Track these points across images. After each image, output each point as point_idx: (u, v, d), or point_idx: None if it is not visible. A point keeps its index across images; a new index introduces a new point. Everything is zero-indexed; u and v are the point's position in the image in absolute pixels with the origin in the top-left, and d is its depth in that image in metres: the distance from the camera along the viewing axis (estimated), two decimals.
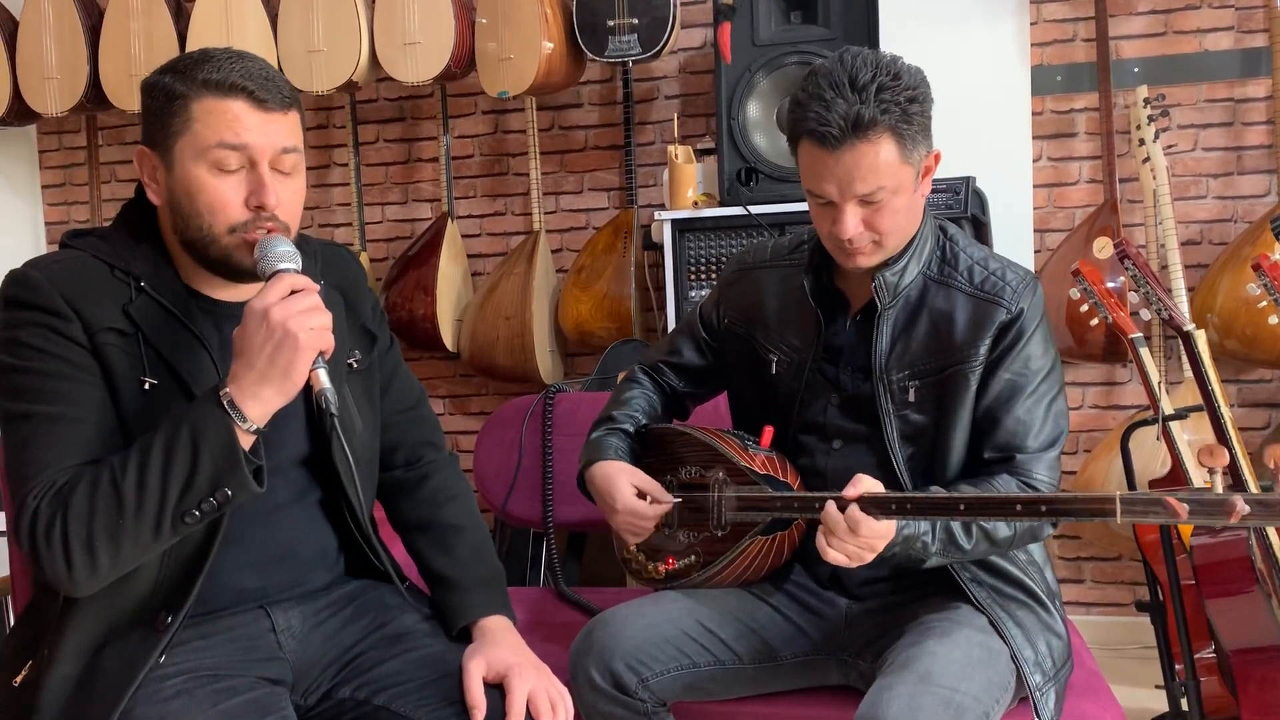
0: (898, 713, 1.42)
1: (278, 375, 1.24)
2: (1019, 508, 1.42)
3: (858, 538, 1.46)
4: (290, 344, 1.23)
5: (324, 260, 1.53)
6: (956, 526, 1.54)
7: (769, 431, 1.72)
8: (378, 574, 1.54)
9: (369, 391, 1.53)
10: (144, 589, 1.35)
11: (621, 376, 1.98)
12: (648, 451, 1.85)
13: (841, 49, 1.56)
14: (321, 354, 1.26)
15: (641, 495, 1.72)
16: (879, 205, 1.54)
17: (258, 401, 1.25)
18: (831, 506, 1.48)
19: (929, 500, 1.48)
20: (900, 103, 1.50)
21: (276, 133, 1.34)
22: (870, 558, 1.49)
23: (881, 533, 1.48)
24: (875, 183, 1.52)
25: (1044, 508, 1.41)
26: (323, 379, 1.26)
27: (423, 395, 1.68)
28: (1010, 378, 1.60)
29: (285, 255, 1.30)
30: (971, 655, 1.52)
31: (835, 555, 1.49)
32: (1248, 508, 1.26)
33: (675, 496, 1.74)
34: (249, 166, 1.33)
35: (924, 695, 1.44)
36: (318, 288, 1.29)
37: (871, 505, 1.47)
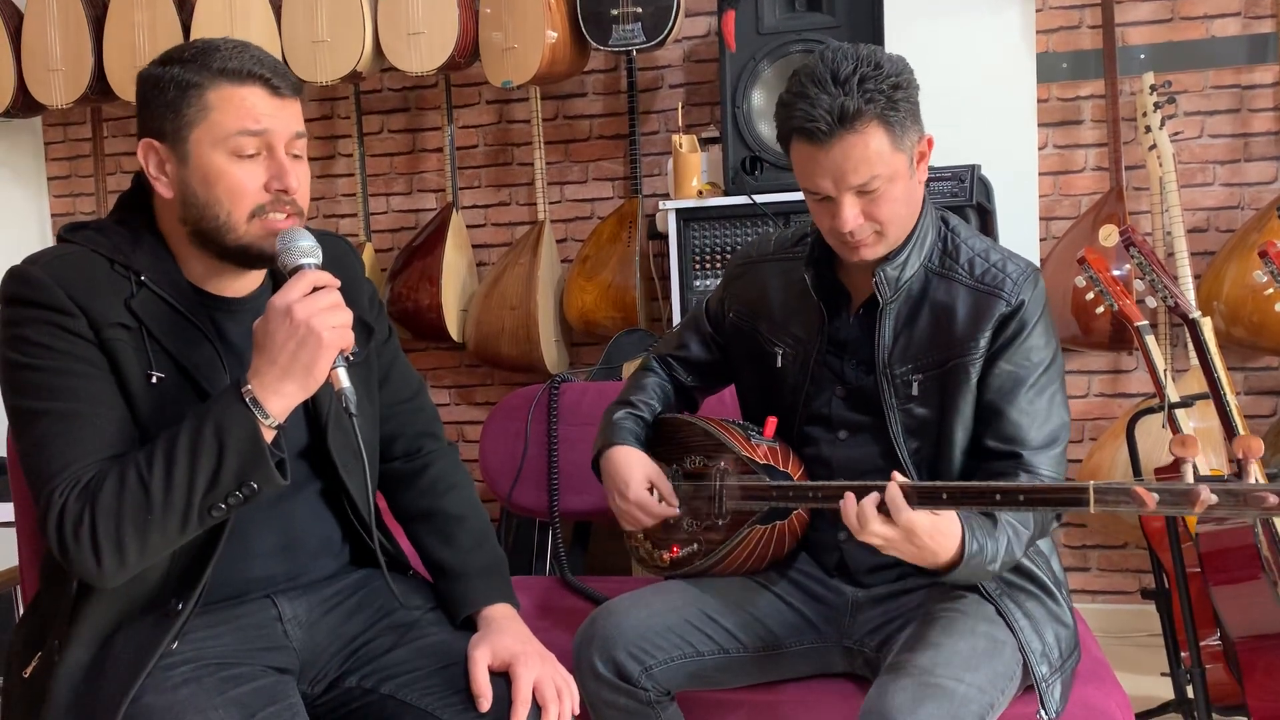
0: (901, 705, 1.42)
1: (300, 372, 1.25)
2: (998, 497, 1.42)
3: (890, 526, 1.43)
4: (314, 342, 1.24)
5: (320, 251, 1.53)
6: (1007, 537, 1.51)
7: (772, 422, 1.73)
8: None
9: (367, 383, 1.54)
10: (155, 578, 1.36)
11: (629, 368, 1.98)
12: (656, 440, 1.86)
13: (823, 46, 1.56)
14: (342, 352, 1.27)
15: (653, 492, 1.74)
16: (876, 194, 1.54)
17: (280, 397, 1.26)
18: (851, 502, 1.46)
19: (913, 488, 1.45)
20: (884, 90, 1.50)
21: (290, 118, 1.36)
22: (909, 547, 1.44)
23: (923, 528, 1.43)
24: (868, 172, 1.52)
25: (1021, 497, 1.41)
26: (343, 378, 1.27)
27: (421, 386, 1.68)
28: (1012, 369, 1.60)
29: (307, 250, 1.31)
30: (977, 647, 1.52)
31: (867, 538, 1.46)
32: (1214, 498, 1.26)
33: (680, 507, 1.76)
34: (266, 152, 1.35)
35: (928, 688, 1.44)
36: (339, 284, 1.29)
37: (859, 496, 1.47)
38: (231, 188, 1.33)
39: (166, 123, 1.34)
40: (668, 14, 3.00)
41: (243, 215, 1.34)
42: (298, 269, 1.30)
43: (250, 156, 1.34)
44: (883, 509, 1.44)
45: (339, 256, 1.55)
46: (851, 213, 1.55)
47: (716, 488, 1.73)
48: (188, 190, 1.35)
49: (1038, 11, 3.09)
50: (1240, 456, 1.28)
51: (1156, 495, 1.29)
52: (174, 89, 1.33)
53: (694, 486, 1.78)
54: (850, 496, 1.47)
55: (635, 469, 1.75)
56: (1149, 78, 2.87)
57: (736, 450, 1.70)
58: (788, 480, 1.67)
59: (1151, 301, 2.15)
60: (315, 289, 1.27)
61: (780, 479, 1.67)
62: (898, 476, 1.46)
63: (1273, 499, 1.24)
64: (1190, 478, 1.30)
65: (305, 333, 1.23)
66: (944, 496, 1.44)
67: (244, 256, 1.37)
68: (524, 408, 2.42)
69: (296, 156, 1.37)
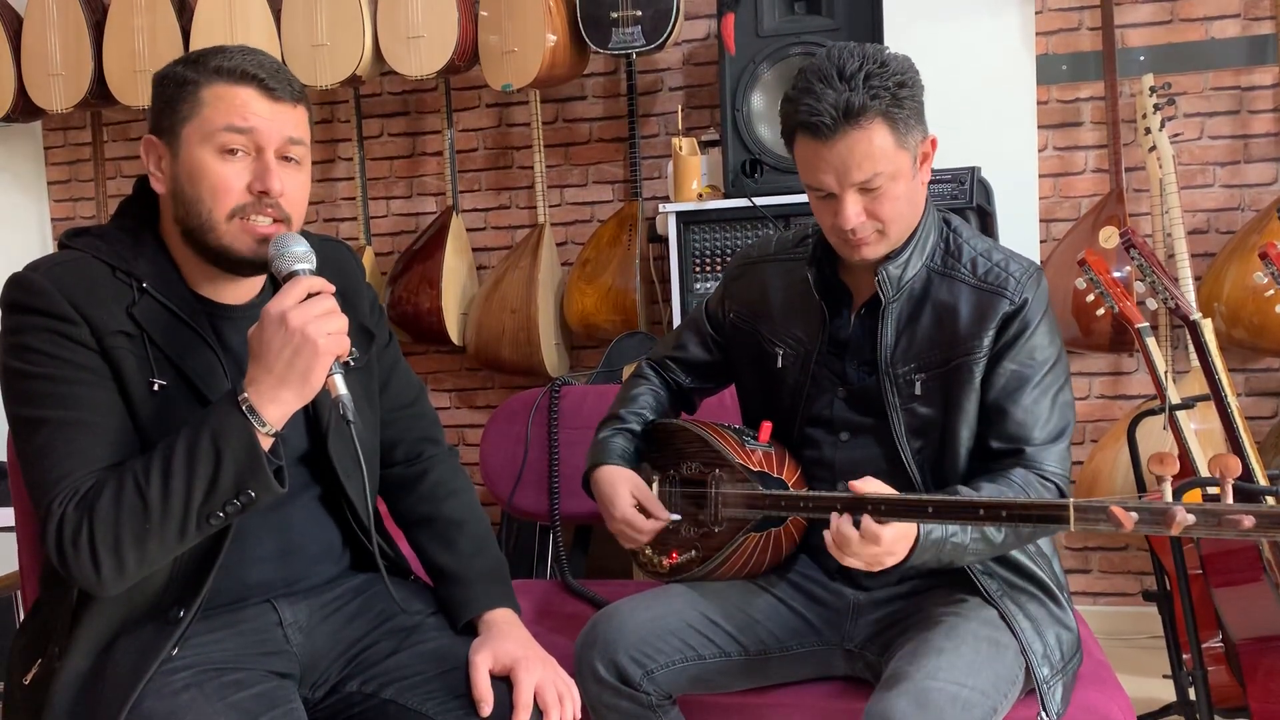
0: (905, 710, 1.42)
1: (297, 379, 1.24)
2: (981, 512, 1.42)
3: (870, 546, 1.45)
4: (309, 349, 1.23)
5: (321, 256, 1.53)
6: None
7: (766, 426, 1.73)
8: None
9: (367, 389, 1.53)
10: (157, 585, 1.35)
11: (629, 371, 1.98)
12: (652, 447, 1.86)
13: (829, 45, 1.57)
14: (339, 358, 1.26)
15: (642, 507, 1.74)
16: (878, 192, 1.54)
17: (277, 405, 1.25)
18: (837, 521, 1.46)
19: (899, 501, 1.46)
20: (889, 88, 1.51)
21: (284, 122, 1.35)
22: (890, 561, 1.47)
23: (897, 535, 1.45)
24: (871, 169, 1.52)
25: (1004, 513, 1.41)
26: (339, 385, 1.27)
27: (422, 391, 1.68)
28: (1016, 369, 1.60)
29: (301, 256, 1.30)
30: (979, 650, 1.52)
31: (852, 562, 1.48)
32: (1191, 518, 1.25)
33: (674, 515, 1.76)
34: (255, 154, 1.34)
35: (931, 692, 1.44)
36: (334, 289, 1.29)
37: (848, 508, 1.47)
38: (214, 185, 1.33)
39: (164, 118, 1.36)
40: (667, 17, 3.00)
41: (223, 214, 1.33)
42: (292, 275, 1.29)
43: (236, 155, 1.33)
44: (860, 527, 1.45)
45: (339, 261, 1.55)
46: (854, 210, 1.55)
47: (712, 495, 1.73)
48: (177, 186, 1.35)
49: (1037, 13, 3.09)
50: (1218, 475, 1.27)
51: (1135, 515, 1.28)
52: (173, 86, 1.35)
53: (691, 493, 1.77)
54: (837, 521, 1.47)
55: (620, 488, 1.75)
56: (1148, 79, 2.87)
57: (730, 458, 1.70)
58: (782, 487, 1.67)
59: (1152, 303, 2.15)
60: (310, 295, 1.26)
61: (775, 486, 1.67)
62: (860, 486, 1.46)
63: (1248, 521, 1.22)
64: (1169, 496, 1.29)
65: (300, 340, 1.23)
66: (930, 510, 1.44)
67: (226, 259, 1.36)
68: (524, 411, 2.42)
69: (290, 161, 1.37)
